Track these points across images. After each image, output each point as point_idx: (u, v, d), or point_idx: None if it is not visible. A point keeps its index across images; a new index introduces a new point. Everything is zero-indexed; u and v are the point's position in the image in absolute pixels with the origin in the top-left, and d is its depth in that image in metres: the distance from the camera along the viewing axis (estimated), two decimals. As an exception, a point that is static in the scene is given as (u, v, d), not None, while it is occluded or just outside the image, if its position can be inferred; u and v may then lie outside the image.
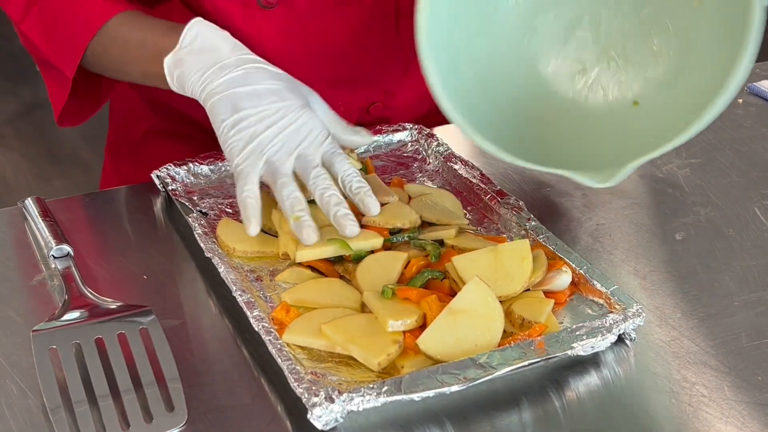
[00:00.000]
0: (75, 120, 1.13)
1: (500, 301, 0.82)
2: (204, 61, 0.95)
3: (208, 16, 1.08)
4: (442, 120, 1.00)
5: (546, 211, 1.03)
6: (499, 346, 0.78)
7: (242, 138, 0.92)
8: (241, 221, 0.95)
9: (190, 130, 1.20)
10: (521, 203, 0.97)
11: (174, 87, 0.97)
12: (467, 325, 0.79)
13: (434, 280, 0.86)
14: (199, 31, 0.96)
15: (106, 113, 1.30)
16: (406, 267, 0.88)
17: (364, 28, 1.13)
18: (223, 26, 1.07)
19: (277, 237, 0.93)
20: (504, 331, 0.80)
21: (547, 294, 0.85)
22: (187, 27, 0.96)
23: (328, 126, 0.97)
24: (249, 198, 0.90)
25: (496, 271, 0.84)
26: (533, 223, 0.94)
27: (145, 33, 1.00)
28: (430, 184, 1.05)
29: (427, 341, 0.78)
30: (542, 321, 0.81)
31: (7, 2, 1.06)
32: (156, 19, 1.02)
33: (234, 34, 1.08)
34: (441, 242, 0.92)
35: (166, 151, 1.18)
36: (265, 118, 0.92)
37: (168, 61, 0.96)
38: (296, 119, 0.93)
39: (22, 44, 1.09)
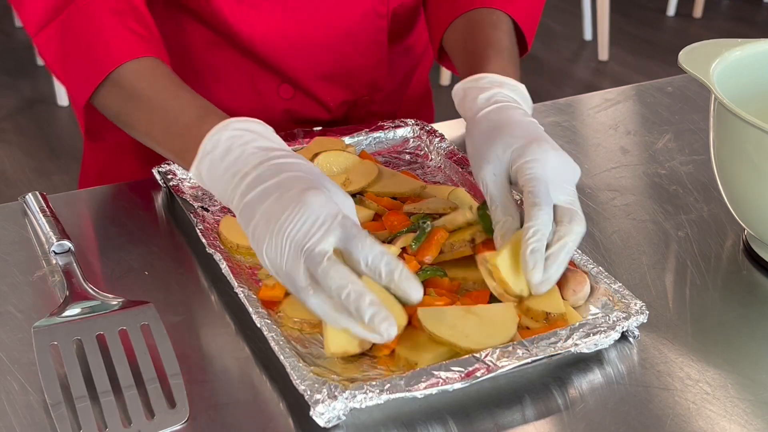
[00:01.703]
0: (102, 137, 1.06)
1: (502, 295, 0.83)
2: (225, 173, 0.84)
3: (200, 12, 1.08)
4: (421, 107, 0.98)
5: (548, 207, 1.02)
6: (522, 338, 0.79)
7: (258, 251, 0.80)
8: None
9: None
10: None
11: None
12: (477, 322, 0.79)
13: (435, 278, 0.86)
14: (218, 140, 0.85)
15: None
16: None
17: (354, 22, 1.14)
18: (215, 19, 1.08)
19: None
20: (528, 328, 0.80)
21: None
22: (207, 137, 0.85)
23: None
24: (326, 314, 0.76)
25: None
26: (536, 220, 0.94)
27: (169, 118, 0.90)
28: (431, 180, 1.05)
29: (426, 317, 0.78)
30: (564, 311, 0.81)
31: (23, 8, 0.98)
32: (183, 92, 0.92)
33: (225, 28, 1.08)
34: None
35: None
36: (270, 220, 0.79)
37: (194, 173, 0.86)
38: (297, 210, 0.78)
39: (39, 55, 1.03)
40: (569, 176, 0.87)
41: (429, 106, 1.37)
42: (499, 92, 0.95)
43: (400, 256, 0.88)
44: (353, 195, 0.97)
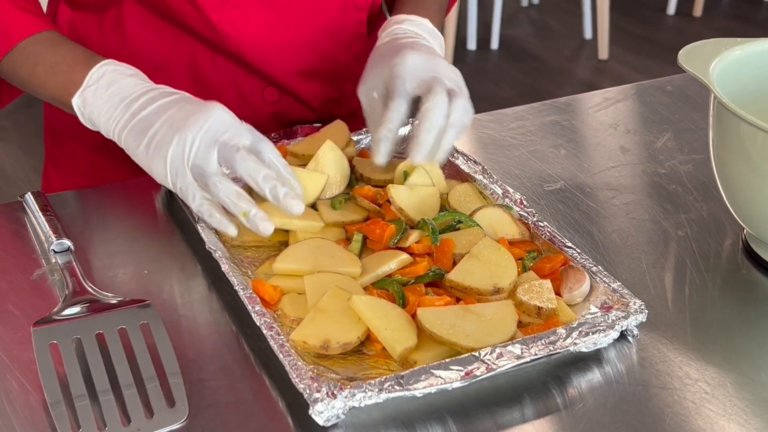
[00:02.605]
0: None
1: (500, 289, 0.83)
2: (110, 99, 0.94)
3: (184, 18, 1.08)
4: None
5: (547, 206, 1.03)
6: (524, 335, 0.79)
7: (159, 155, 0.90)
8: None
9: None
10: (523, 198, 0.97)
11: (87, 124, 0.97)
12: (476, 321, 0.79)
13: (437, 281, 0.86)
14: (105, 71, 0.95)
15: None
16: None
17: (334, 17, 1.14)
18: (199, 23, 1.08)
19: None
20: (520, 321, 0.80)
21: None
22: (95, 68, 0.95)
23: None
24: (203, 211, 0.89)
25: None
26: (535, 219, 0.94)
27: (56, 59, 0.98)
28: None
29: (426, 317, 0.79)
30: (555, 306, 0.81)
31: None
32: (72, 44, 1.00)
33: (209, 31, 1.08)
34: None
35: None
36: (174, 125, 0.89)
37: (76, 101, 0.96)
38: (207, 116, 0.90)
39: None
40: (431, 67, 0.96)
41: None
42: (398, 27, 1.04)
43: (409, 252, 0.89)
44: (346, 197, 0.98)
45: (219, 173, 0.89)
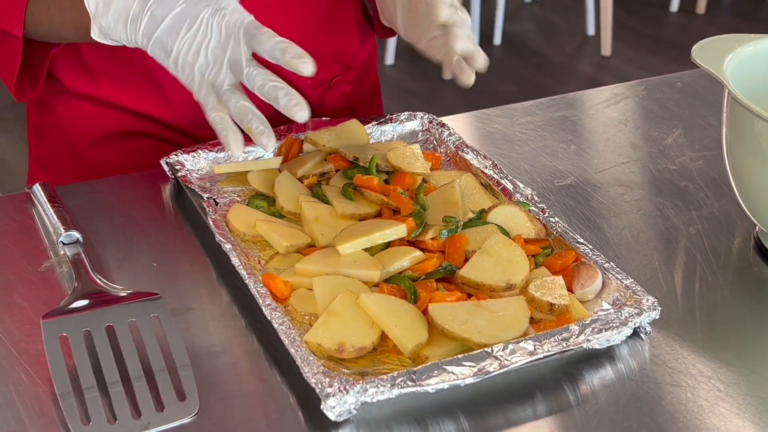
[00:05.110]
0: (28, 93, 1.10)
1: (512, 285, 0.82)
2: (117, 24, 0.92)
3: None
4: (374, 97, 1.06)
5: (558, 202, 1.02)
6: (536, 332, 0.79)
7: (187, 74, 0.90)
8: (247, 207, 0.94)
9: (153, 127, 1.17)
10: (534, 194, 0.96)
11: (101, 39, 0.94)
12: (488, 317, 0.79)
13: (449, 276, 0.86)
14: None
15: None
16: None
17: (326, 3, 1.14)
18: None
19: (284, 218, 0.95)
20: (532, 317, 0.80)
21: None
22: None
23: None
24: (216, 123, 0.87)
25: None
26: (545, 215, 0.93)
27: None
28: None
29: (438, 312, 0.78)
30: (568, 303, 0.81)
31: None
32: None
33: None
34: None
35: (123, 152, 1.16)
36: (192, 45, 0.89)
37: (95, 34, 0.93)
38: (213, 28, 0.89)
39: None
40: None
41: (379, 97, 1.37)
42: None
43: (422, 247, 0.89)
44: (353, 188, 0.97)
45: (231, 85, 0.88)
